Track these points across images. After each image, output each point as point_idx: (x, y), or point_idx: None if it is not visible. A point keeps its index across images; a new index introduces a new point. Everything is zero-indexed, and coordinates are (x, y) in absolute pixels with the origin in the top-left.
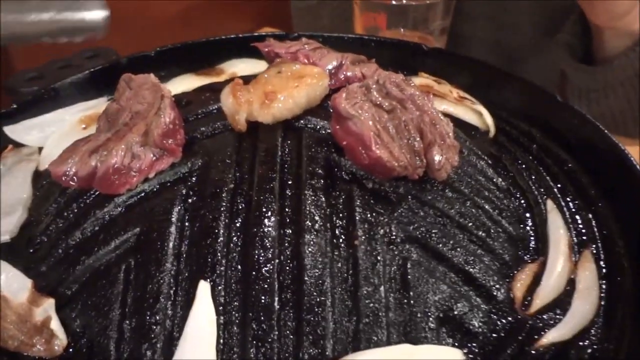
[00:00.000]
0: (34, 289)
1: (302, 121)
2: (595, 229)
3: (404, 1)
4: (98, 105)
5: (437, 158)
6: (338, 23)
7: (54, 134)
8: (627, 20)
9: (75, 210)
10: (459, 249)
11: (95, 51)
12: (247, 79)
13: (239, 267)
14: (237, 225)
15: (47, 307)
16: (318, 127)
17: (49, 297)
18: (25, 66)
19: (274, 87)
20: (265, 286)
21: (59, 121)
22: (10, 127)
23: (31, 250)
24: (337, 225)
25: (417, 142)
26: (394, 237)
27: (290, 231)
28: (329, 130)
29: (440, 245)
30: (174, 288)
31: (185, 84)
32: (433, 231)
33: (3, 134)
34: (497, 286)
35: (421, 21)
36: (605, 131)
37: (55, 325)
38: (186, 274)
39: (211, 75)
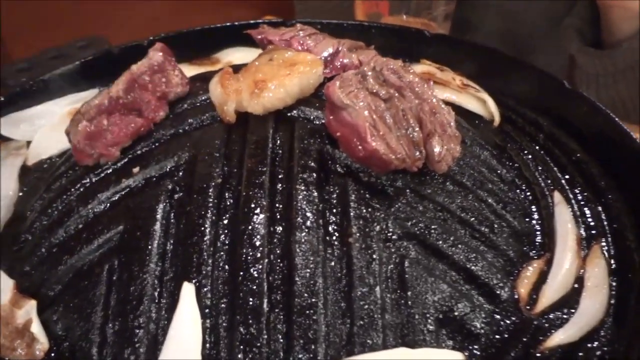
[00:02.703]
0: (16, 290)
1: (294, 111)
2: (605, 223)
3: None
4: (89, 97)
5: (437, 149)
6: (342, 8)
7: (42, 127)
8: None
9: (60, 207)
10: (460, 246)
11: (88, 40)
12: (240, 68)
13: (226, 267)
14: (225, 222)
15: (29, 309)
16: (312, 117)
17: (31, 298)
18: (19, 56)
19: (264, 75)
20: (254, 287)
21: (49, 114)
22: None
23: (15, 249)
24: (331, 221)
25: (416, 132)
26: (390, 233)
27: (281, 228)
28: (324, 121)
29: (440, 241)
30: (158, 290)
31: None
32: (432, 227)
33: None
34: (501, 284)
35: (424, 7)
36: (617, 119)
37: (37, 328)
38: (171, 275)
39: (206, 65)
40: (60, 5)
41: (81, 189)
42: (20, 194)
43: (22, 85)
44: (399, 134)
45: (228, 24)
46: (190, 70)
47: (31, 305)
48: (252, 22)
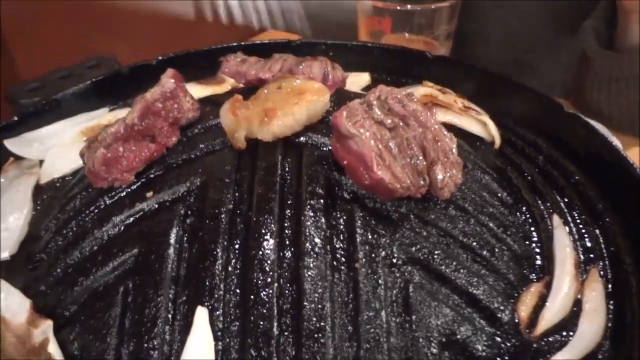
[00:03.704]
0: (33, 310)
1: (302, 138)
2: (603, 246)
3: (409, 6)
4: (100, 116)
5: (440, 176)
6: (345, 27)
7: (54, 146)
8: None
9: (74, 229)
10: (462, 270)
11: (98, 60)
12: (247, 92)
13: (238, 291)
14: (236, 247)
15: (46, 328)
16: (319, 143)
17: (47, 318)
18: (27, 76)
19: (274, 103)
20: (264, 311)
21: (60, 133)
22: (11, 140)
23: (30, 268)
24: (338, 247)
25: (420, 160)
26: (395, 259)
27: (290, 254)
28: (330, 147)
29: (443, 266)
30: (172, 312)
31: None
32: (436, 252)
33: (4, 147)
34: (502, 307)
35: (426, 26)
36: (614, 143)
37: (53, 348)
38: (184, 298)
39: (213, 84)
40: (67, 24)
41: (96, 211)
42: (34, 212)
43: (35, 105)
44: (403, 162)
45: (234, 43)
46: (198, 90)
47: (47, 325)
48: (257, 42)
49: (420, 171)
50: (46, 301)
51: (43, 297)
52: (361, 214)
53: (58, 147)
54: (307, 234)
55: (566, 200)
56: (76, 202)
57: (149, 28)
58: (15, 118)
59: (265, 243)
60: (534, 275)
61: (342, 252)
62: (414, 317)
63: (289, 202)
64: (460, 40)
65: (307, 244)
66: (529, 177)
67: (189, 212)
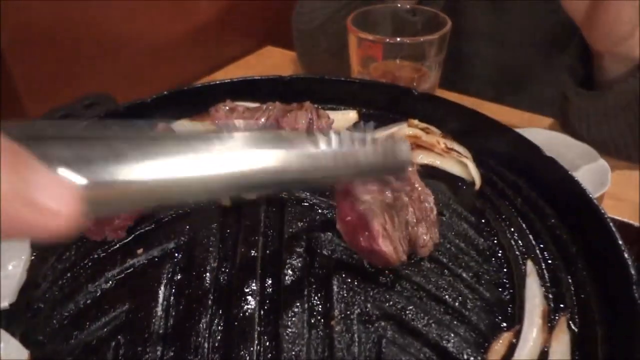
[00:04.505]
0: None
1: (284, 193)
2: (573, 293)
3: (398, 39)
4: None
5: (424, 237)
6: (337, 47)
7: None
8: (628, 45)
9: (70, 281)
10: (433, 324)
11: (94, 98)
12: None
13: (221, 349)
14: (220, 305)
15: None
16: (300, 198)
17: None
18: (28, 117)
19: None
20: None
21: None
22: None
23: (29, 316)
24: (315, 304)
25: (414, 229)
26: (369, 315)
27: (270, 313)
28: (313, 201)
29: (415, 321)
30: None
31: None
32: (409, 307)
33: None
34: (472, 358)
35: (417, 56)
36: (586, 190)
37: None
38: (171, 354)
39: (205, 120)
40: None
41: (89, 264)
42: (32, 258)
43: None
44: (401, 234)
45: (226, 80)
46: (190, 127)
47: None
48: (249, 78)
49: (413, 241)
50: (44, 352)
51: (41, 347)
52: (338, 272)
53: None
54: (286, 293)
55: (541, 245)
56: (72, 251)
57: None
58: None
59: (246, 302)
60: (505, 324)
61: (319, 310)
62: None
63: (269, 260)
64: (454, 59)
65: (286, 303)
66: (507, 220)
67: (177, 268)
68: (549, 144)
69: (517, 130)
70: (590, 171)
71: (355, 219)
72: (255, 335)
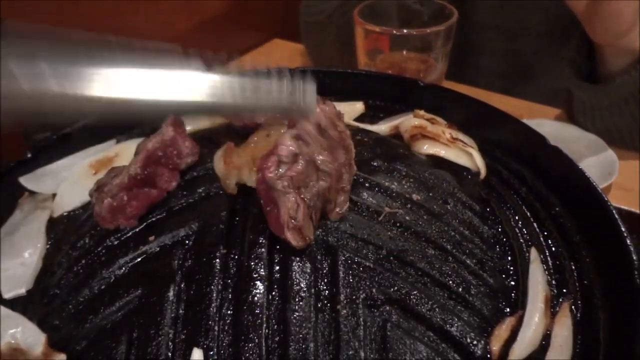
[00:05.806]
0: (48, 344)
1: None
2: (576, 280)
3: (405, 31)
4: (106, 148)
5: (345, 206)
6: (345, 39)
7: (65, 180)
8: (628, 38)
9: (85, 267)
10: (437, 309)
11: None
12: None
13: (230, 331)
14: (229, 290)
15: None
16: None
17: (61, 352)
18: None
19: (262, 152)
20: (254, 351)
21: (70, 167)
22: (25, 176)
23: (45, 302)
24: (321, 289)
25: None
26: (375, 300)
27: (278, 297)
28: None
29: (419, 305)
30: (171, 351)
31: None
32: (413, 292)
33: (19, 183)
34: (475, 342)
35: (423, 47)
36: (590, 179)
37: None
38: (183, 337)
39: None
40: None
41: (103, 251)
42: (48, 246)
43: (47, 141)
44: (314, 212)
45: None
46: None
47: (61, 359)
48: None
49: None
50: (60, 335)
51: (57, 331)
52: (344, 258)
53: (68, 181)
54: (294, 277)
55: (545, 233)
56: (86, 239)
57: (160, 36)
58: (29, 155)
59: (255, 287)
60: (508, 309)
61: (325, 294)
62: (390, 354)
63: (277, 246)
64: (461, 50)
65: (294, 288)
66: (512, 209)
67: (187, 255)
68: (557, 135)
69: (525, 121)
70: (599, 162)
71: (273, 208)
72: (264, 319)
